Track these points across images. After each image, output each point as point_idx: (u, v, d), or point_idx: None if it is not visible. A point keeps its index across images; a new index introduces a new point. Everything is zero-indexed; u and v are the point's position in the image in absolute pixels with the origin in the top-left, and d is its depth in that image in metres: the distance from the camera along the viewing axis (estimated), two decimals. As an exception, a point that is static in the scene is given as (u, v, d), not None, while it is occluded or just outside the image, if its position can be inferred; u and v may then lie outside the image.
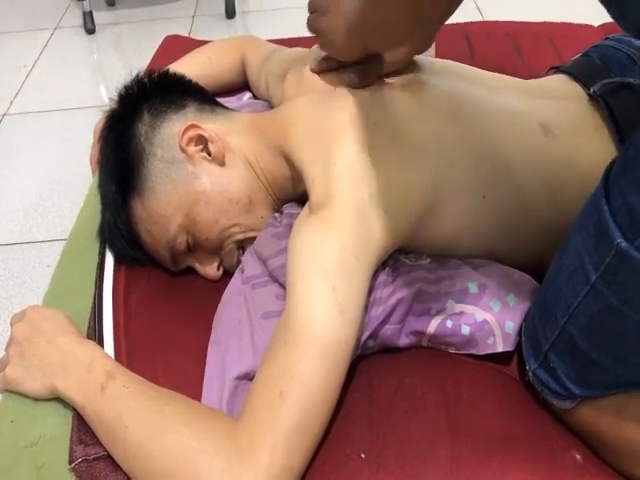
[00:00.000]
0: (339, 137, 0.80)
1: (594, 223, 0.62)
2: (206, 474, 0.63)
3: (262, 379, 0.68)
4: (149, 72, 0.98)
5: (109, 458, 0.71)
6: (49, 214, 1.75)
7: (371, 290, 0.77)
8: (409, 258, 0.83)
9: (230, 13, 2.60)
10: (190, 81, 1.01)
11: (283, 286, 0.81)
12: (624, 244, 0.57)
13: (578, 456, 0.71)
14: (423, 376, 0.79)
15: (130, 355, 0.84)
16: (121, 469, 0.70)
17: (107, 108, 0.97)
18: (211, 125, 0.92)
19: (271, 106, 1.13)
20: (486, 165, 0.83)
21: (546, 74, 1.05)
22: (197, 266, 0.94)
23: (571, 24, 1.48)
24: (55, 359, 0.77)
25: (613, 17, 0.55)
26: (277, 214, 0.93)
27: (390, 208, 0.76)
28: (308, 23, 0.87)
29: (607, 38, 1.00)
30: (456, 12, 0.77)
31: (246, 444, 0.63)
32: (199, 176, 0.89)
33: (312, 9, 0.87)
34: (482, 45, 1.44)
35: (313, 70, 0.92)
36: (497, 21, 1.56)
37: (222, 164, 0.91)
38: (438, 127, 0.83)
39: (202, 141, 0.91)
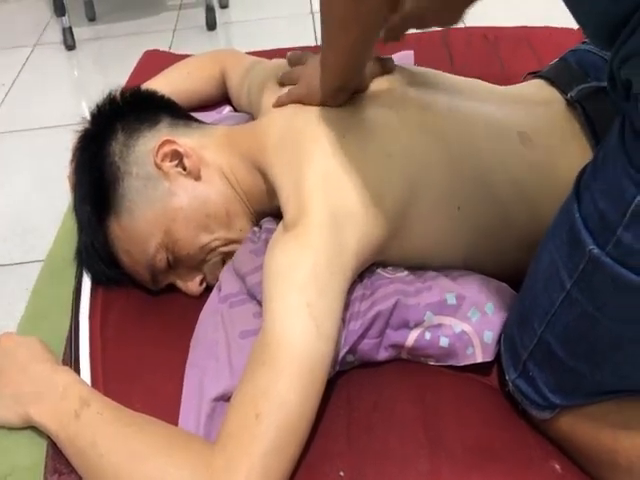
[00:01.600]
0: (310, 149, 0.79)
1: (567, 230, 0.62)
2: None
3: (239, 400, 0.67)
4: (122, 91, 0.97)
5: (85, 486, 0.70)
6: (27, 235, 1.71)
7: (349, 304, 0.77)
8: (387, 271, 0.82)
9: (211, 25, 2.59)
10: (163, 97, 1.01)
11: (261, 303, 0.80)
12: (596, 250, 0.57)
13: (557, 466, 0.70)
14: (402, 389, 0.78)
15: (107, 379, 0.82)
16: (97, 497, 0.68)
17: (79, 128, 0.96)
18: (186, 140, 0.92)
19: (253, 118, 1.12)
20: (461, 176, 0.82)
21: (524, 79, 1.04)
22: (179, 282, 0.93)
23: (550, 27, 1.48)
24: (29, 387, 0.75)
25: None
26: (256, 228, 0.93)
27: (363, 218, 0.76)
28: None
29: (584, 42, 0.99)
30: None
31: (222, 468, 0.63)
32: (176, 192, 0.88)
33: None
34: (462, 52, 1.43)
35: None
36: (476, 27, 1.55)
37: (198, 178, 0.90)
38: (412, 137, 0.83)
39: (177, 156, 0.90)
